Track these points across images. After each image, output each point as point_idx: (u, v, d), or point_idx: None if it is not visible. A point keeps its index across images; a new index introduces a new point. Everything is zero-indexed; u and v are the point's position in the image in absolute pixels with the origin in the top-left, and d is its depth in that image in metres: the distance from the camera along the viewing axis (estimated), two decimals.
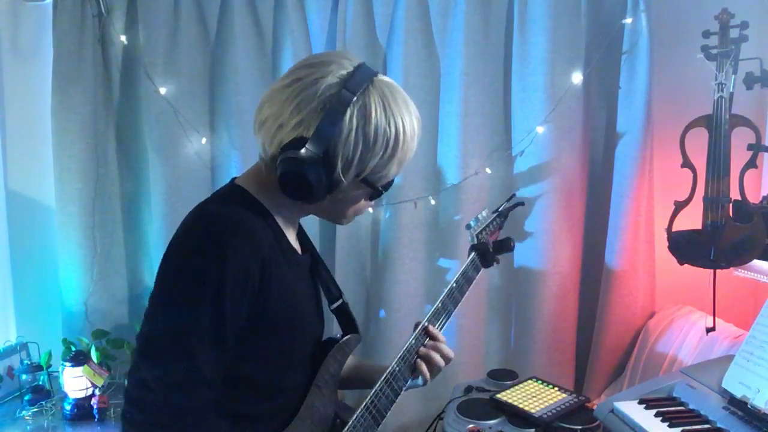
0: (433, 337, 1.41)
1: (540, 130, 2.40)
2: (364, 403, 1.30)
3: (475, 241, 1.64)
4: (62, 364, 2.38)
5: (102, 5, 2.43)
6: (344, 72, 1.13)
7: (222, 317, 1.07)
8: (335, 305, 1.40)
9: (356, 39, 2.42)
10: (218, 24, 2.48)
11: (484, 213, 1.74)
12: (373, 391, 1.31)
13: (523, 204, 1.95)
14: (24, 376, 2.47)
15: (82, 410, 2.36)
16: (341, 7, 2.43)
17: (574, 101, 2.40)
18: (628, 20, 2.33)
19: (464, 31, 2.39)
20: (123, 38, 2.47)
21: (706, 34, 2.05)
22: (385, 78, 1.18)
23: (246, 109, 2.47)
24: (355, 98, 1.11)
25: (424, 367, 1.37)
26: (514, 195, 1.92)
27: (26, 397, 2.40)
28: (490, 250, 1.63)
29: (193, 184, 2.51)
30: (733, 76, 2.02)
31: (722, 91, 2.02)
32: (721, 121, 2.03)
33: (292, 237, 1.26)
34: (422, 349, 1.38)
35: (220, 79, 2.50)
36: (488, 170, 2.48)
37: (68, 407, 2.36)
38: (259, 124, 1.17)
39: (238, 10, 2.42)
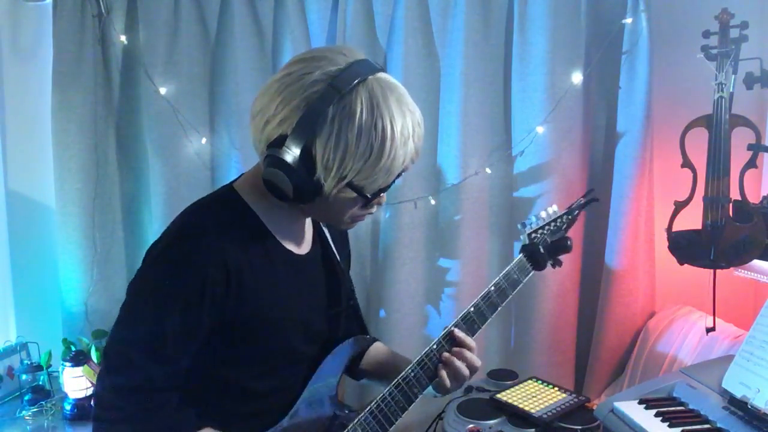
0: (460, 344, 1.33)
1: (540, 130, 2.40)
2: (369, 407, 1.26)
3: (526, 242, 1.50)
4: (62, 364, 2.38)
5: (102, 5, 2.43)
6: (334, 68, 1.06)
7: (176, 326, 1.08)
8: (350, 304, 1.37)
9: (356, 39, 2.42)
10: (218, 24, 2.48)
11: (551, 210, 1.58)
12: (381, 395, 1.26)
13: (597, 200, 1.74)
14: (24, 376, 2.47)
15: (82, 410, 2.35)
16: (341, 7, 2.43)
17: (574, 101, 2.40)
18: (628, 20, 2.33)
19: (464, 31, 2.38)
20: (123, 38, 2.47)
21: (706, 34, 2.05)
22: (384, 76, 1.10)
23: (246, 109, 2.45)
24: (339, 97, 1.04)
25: (444, 374, 1.29)
26: (592, 190, 1.73)
27: (26, 397, 2.39)
28: (540, 250, 1.49)
29: (193, 184, 2.50)
30: (733, 76, 2.02)
31: (722, 91, 2.03)
32: (721, 121, 2.03)
33: (286, 237, 1.22)
34: (445, 354, 1.30)
35: (220, 79, 2.49)
36: (488, 170, 2.47)
37: (68, 407, 2.36)
38: (251, 119, 1.14)
39: (238, 10, 2.42)
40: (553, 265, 1.54)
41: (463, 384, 1.34)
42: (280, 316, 1.18)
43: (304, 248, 1.26)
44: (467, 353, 1.33)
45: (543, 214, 1.57)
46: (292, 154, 1.06)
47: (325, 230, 1.35)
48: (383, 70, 1.12)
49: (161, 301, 1.08)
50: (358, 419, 1.26)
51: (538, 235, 1.53)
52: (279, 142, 1.07)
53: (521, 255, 1.50)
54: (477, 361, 1.33)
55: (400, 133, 1.08)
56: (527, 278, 1.50)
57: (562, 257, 1.56)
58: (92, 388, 2.36)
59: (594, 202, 1.72)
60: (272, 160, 1.08)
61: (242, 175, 1.25)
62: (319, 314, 1.28)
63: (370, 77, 1.07)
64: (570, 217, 1.63)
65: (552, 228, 1.57)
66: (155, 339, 1.07)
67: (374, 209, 1.21)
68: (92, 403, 1.12)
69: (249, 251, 1.14)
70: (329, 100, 1.04)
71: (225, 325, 1.12)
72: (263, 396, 1.22)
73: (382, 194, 1.17)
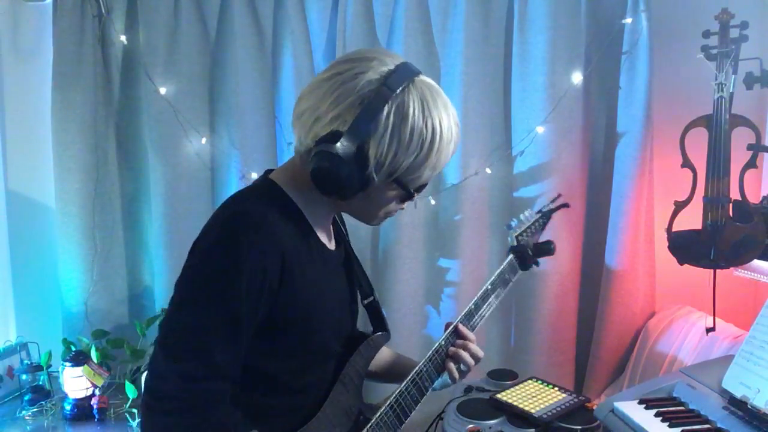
0: (463, 337, 1.41)
1: (540, 130, 2.40)
2: (389, 401, 1.31)
3: (515, 243, 1.60)
4: (62, 364, 2.38)
5: (102, 5, 2.43)
6: (385, 69, 1.12)
7: (238, 314, 1.09)
8: (366, 301, 1.40)
9: (356, 39, 2.42)
10: (218, 24, 2.48)
11: (526, 213, 1.69)
12: (398, 389, 1.32)
13: (568, 206, 1.87)
14: (24, 376, 2.47)
15: (82, 410, 2.36)
16: (341, 7, 2.43)
17: (574, 101, 2.39)
18: (628, 20, 2.33)
19: (464, 31, 2.38)
20: (123, 38, 2.47)
21: (706, 34, 2.05)
22: (427, 79, 1.17)
23: (246, 109, 2.47)
24: (394, 95, 1.10)
25: (452, 366, 1.38)
26: (559, 195, 1.86)
27: (26, 397, 2.39)
28: (529, 252, 1.59)
29: (193, 184, 2.51)
30: (733, 76, 2.02)
31: (722, 91, 2.03)
32: (721, 121, 2.03)
33: (322, 233, 1.25)
34: (451, 348, 1.39)
35: (220, 79, 2.50)
36: (488, 170, 2.48)
37: (68, 407, 2.36)
38: (296, 117, 1.17)
39: (238, 10, 2.42)
40: (533, 266, 1.64)
41: (467, 373, 1.43)
42: (318, 311, 1.21)
43: (332, 245, 1.30)
44: (471, 345, 1.41)
45: (522, 216, 1.68)
46: (347, 149, 1.10)
47: (342, 228, 1.38)
48: (422, 72, 1.18)
49: (225, 286, 1.08)
50: (380, 413, 1.29)
51: (524, 237, 1.64)
52: (331, 138, 1.10)
53: (511, 256, 1.58)
54: (480, 352, 1.42)
55: (447, 132, 1.15)
56: (516, 277, 1.59)
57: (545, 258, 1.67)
58: (92, 389, 2.37)
59: (564, 207, 1.83)
60: (325, 156, 1.10)
61: (276, 169, 1.26)
62: (344, 310, 1.32)
63: (416, 78, 1.14)
64: (544, 220, 1.76)
65: (532, 230, 1.68)
66: (222, 325, 1.08)
67: (404, 207, 1.26)
68: (148, 396, 1.10)
69: (297, 243, 1.16)
70: (385, 99, 1.10)
71: (271, 316, 1.13)
72: (297, 392, 1.24)
73: (421, 190, 1.22)
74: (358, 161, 1.10)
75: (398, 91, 1.10)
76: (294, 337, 1.18)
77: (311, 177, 1.14)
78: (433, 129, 1.13)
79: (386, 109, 1.10)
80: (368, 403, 1.34)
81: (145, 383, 1.12)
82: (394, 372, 1.46)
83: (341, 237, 1.36)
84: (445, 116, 1.14)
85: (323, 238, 1.25)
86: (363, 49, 1.29)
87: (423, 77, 1.16)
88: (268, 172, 1.26)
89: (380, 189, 1.17)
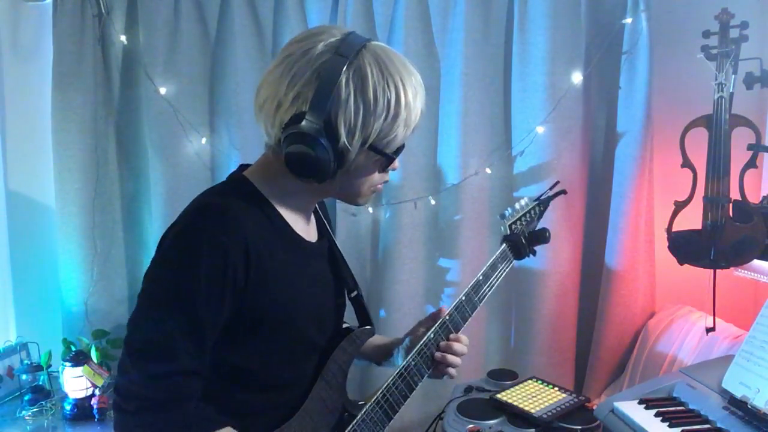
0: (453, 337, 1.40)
1: (540, 130, 2.40)
2: (375, 398, 1.29)
3: (508, 232, 1.57)
4: (62, 364, 2.38)
5: (102, 5, 2.44)
6: (334, 39, 1.10)
7: (199, 311, 1.07)
8: (351, 296, 1.39)
9: None
10: (218, 24, 2.48)
11: (522, 202, 1.64)
12: (385, 385, 1.30)
13: (565, 192, 1.83)
14: (24, 376, 2.47)
15: (82, 410, 2.36)
16: (341, 7, 2.43)
17: (574, 101, 2.39)
18: (628, 20, 2.33)
19: (464, 31, 2.38)
20: (123, 38, 2.47)
21: (706, 34, 2.05)
22: (379, 43, 1.15)
23: (246, 109, 2.47)
24: (348, 62, 1.08)
25: (450, 371, 1.37)
26: (558, 182, 1.81)
27: (26, 397, 2.40)
28: (522, 241, 1.56)
29: (193, 184, 2.50)
30: (733, 76, 2.02)
31: (722, 91, 2.03)
32: (721, 121, 2.03)
33: (300, 225, 1.23)
34: (437, 354, 1.37)
35: (220, 79, 2.50)
36: (488, 170, 2.48)
37: (68, 407, 2.36)
38: (258, 109, 1.15)
39: (238, 10, 2.43)
40: (529, 255, 1.60)
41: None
42: (298, 304, 1.19)
43: (312, 238, 1.28)
44: (455, 346, 1.39)
45: (517, 205, 1.63)
46: (314, 126, 1.08)
47: (326, 223, 1.37)
48: (373, 39, 1.17)
49: (184, 282, 1.07)
50: (365, 410, 1.28)
51: (517, 226, 1.60)
52: (296, 120, 1.09)
53: (504, 245, 1.55)
54: (464, 350, 1.40)
55: (410, 87, 1.13)
56: (509, 267, 1.55)
57: (539, 248, 1.62)
58: (92, 389, 2.37)
59: (562, 194, 1.78)
60: (295, 137, 1.09)
61: (245, 166, 1.25)
62: (328, 304, 1.30)
63: (368, 44, 1.12)
64: (541, 208, 1.70)
65: (527, 219, 1.64)
66: (183, 322, 1.07)
67: (387, 178, 1.24)
68: (116, 394, 1.10)
69: (266, 236, 1.14)
70: (340, 67, 1.07)
71: (245, 311, 1.12)
72: (279, 388, 1.22)
73: (400, 152, 1.20)
74: (328, 135, 1.08)
75: (351, 56, 1.08)
76: (271, 330, 1.16)
77: (286, 164, 1.12)
78: (396, 86, 1.10)
79: (344, 76, 1.07)
80: (353, 400, 1.32)
81: (115, 385, 1.11)
82: (374, 354, 1.48)
83: (324, 231, 1.34)
84: (405, 73, 1.12)
85: (300, 230, 1.23)
86: (308, 29, 1.28)
87: (375, 42, 1.14)
88: (243, 168, 1.24)
89: (358, 161, 1.14)
